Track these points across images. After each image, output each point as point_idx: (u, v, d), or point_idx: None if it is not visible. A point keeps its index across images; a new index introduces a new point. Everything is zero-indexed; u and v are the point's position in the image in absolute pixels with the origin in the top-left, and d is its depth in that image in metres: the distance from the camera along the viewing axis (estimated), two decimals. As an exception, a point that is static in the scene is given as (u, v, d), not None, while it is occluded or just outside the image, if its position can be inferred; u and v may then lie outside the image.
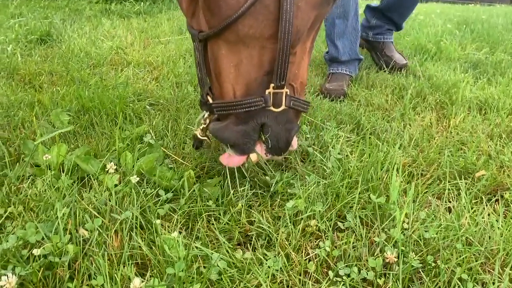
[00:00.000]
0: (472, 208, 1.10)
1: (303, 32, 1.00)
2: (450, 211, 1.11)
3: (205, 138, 1.19)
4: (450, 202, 1.15)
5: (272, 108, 1.04)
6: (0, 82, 1.80)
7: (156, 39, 2.89)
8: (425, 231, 0.97)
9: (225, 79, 1.03)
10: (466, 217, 1.03)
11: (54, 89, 1.80)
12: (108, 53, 2.40)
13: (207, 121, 1.16)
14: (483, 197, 1.15)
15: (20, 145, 1.26)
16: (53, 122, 1.41)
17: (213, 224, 1.01)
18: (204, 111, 1.16)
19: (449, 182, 1.19)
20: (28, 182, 1.10)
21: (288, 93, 1.05)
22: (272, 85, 1.02)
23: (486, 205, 1.12)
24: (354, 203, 1.05)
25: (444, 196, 1.14)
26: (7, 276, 0.74)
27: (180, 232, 0.97)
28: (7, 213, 0.96)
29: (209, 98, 1.10)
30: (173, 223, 0.99)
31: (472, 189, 1.18)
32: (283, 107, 1.05)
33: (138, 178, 1.02)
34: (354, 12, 2.10)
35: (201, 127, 1.17)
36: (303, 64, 1.08)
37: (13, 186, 1.07)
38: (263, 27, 0.95)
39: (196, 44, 1.06)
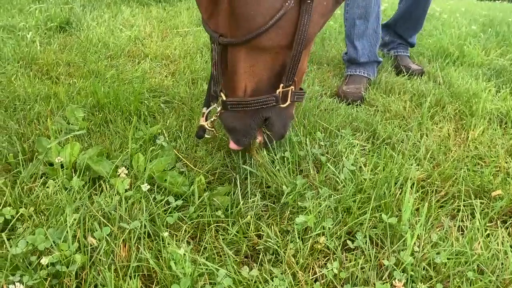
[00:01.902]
0: (486, 231, 1.07)
1: (313, 38, 1.12)
2: (463, 232, 1.09)
3: (213, 129, 1.25)
4: (463, 221, 1.13)
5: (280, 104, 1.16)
6: (18, 72, 1.81)
7: (175, 30, 2.87)
8: (436, 254, 0.95)
9: (239, 78, 1.10)
10: (479, 242, 1.01)
11: (71, 81, 1.81)
12: (126, 44, 2.39)
13: (218, 114, 1.20)
14: (498, 219, 1.13)
15: (34, 141, 1.27)
16: (68, 118, 1.41)
17: (221, 234, 1.01)
18: (215, 105, 1.21)
19: (463, 200, 1.17)
20: (41, 181, 1.10)
21: (293, 89, 1.16)
22: (281, 85, 1.12)
23: (501, 228, 1.09)
24: (365, 219, 1.04)
25: (458, 217, 1.12)
26: (15, 284, 0.75)
27: (188, 242, 0.97)
28: (18, 215, 0.98)
29: (222, 94, 1.15)
30: (181, 232, 0.99)
31: (487, 209, 1.16)
32: (288, 102, 1.17)
33: (148, 186, 1.02)
34: (376, 15, 2.06)
35: (211, 119, 1.23)
36: (305, 60, 1.19)
37: (25, 186, 1.08)
38: (281, 39, 1.04)
39: (215, 46, 1.10)
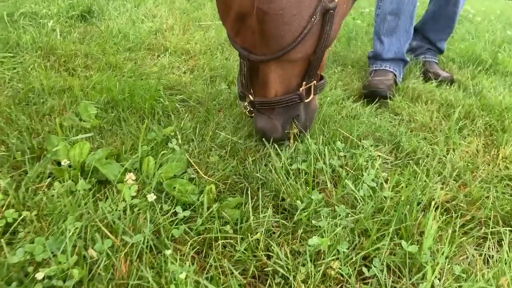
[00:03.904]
0: (514, 263, 0.99)
1: (334, 39, 1.20)
2: (488, 262, 1.01)
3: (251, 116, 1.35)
4: (489, 250, 1.05)
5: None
6: (35, 62, 1.78)
7: (197, 22, 2.82)
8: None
9: (270, 86, 1.19)
10: (507, 278, 0.93)
11: (88, 74, 1.78)
12: (146, 36, 2.35)
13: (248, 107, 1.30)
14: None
15: (44, 138, 1.23)
16: (81, 114, 1.38)
17: (229, 251, 0.96)
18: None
19: (491, 227, 1.09)
20: (47, 182, 1.07)
21: (315, 83, 1.25)
22: (304, 82, 1.21)
23: (531, 261, 1.01)
24: (384, 245, 0.97)
25: (484, 246, 1.04)
26: (8, 299, 0.71)
27: (193, 258, 0.92)
28: (21, 217, 0.94)
29: (250, 96, 1.24)
30: (186, 247, 0.93)
31: (516, 239, 1.07)
32: (311, 96, 1.26)
33: (155, 197, 0.97)
34: (410, 14, 1.97)
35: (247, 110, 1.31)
36: (326, 55, 1.24)
37: (31, 187, 1.05)
38: (308, 49, 1.12)
39: (245, 61, 1.17)
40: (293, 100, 1.21)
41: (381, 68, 2.02)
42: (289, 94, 1.21)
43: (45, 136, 1.23)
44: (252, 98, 1.23)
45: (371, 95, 1.82)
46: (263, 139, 1.29)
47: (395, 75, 2.01)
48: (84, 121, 1.36)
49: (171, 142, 1.27)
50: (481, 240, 1.08)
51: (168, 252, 0.83)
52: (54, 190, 1.03)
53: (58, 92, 1.53)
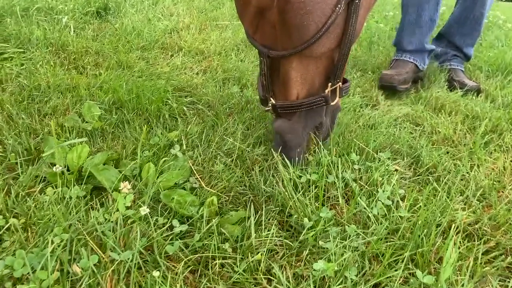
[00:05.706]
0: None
1: (360, 32, 1.11)
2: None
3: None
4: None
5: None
6: (44, 59, 1.74)
7: (214, 22, 2.75)
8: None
9: (292, 86, 1.11)
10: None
11: (97, 72, 1.73)
12: (161, 35, 2.30)
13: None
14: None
15: (43, 139, 1.18)
16: (84, 115, 1.32)
17: (226, 271, 0.88)
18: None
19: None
20: (39, 187, 1.01)
21: (341, 85, 1.16)
22: (329, 84, 1.12)
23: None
24: (396, 271, 0.88)
25: (511, 278, 0.94)
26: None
27: (186, 278, 0.85)
28: (8, 224, 0.88)
29: (271, 99, 1.16)
30: (180, 265, 0.86)
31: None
32: (337, 99, 1.16)
33: (148, 210, 0.90)
34: (435, 1, 1.93)
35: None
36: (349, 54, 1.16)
37: (22, 191, 0.99)
38: (332, 43, 1.04)
39: (264, 59, 1.10)
40: (318, 103, 1.11)
41: (401, 58, 2.06)
42: (313, 96, 1.11)
43: (44, 137, 1.17)
44: (273, 102, 1.15)
45: (382, 88, 1.90)
46: (276, 145, 1.21)
47: (416, 65, 2.02)
48: (86, 122, 1.30)
49: (174, 148, 1.21)
50: (507, 271, 0.97)
51: (156, 274, 0.76)
52: (46, 196, 0.97)
53: (63, 90, 1.48)
